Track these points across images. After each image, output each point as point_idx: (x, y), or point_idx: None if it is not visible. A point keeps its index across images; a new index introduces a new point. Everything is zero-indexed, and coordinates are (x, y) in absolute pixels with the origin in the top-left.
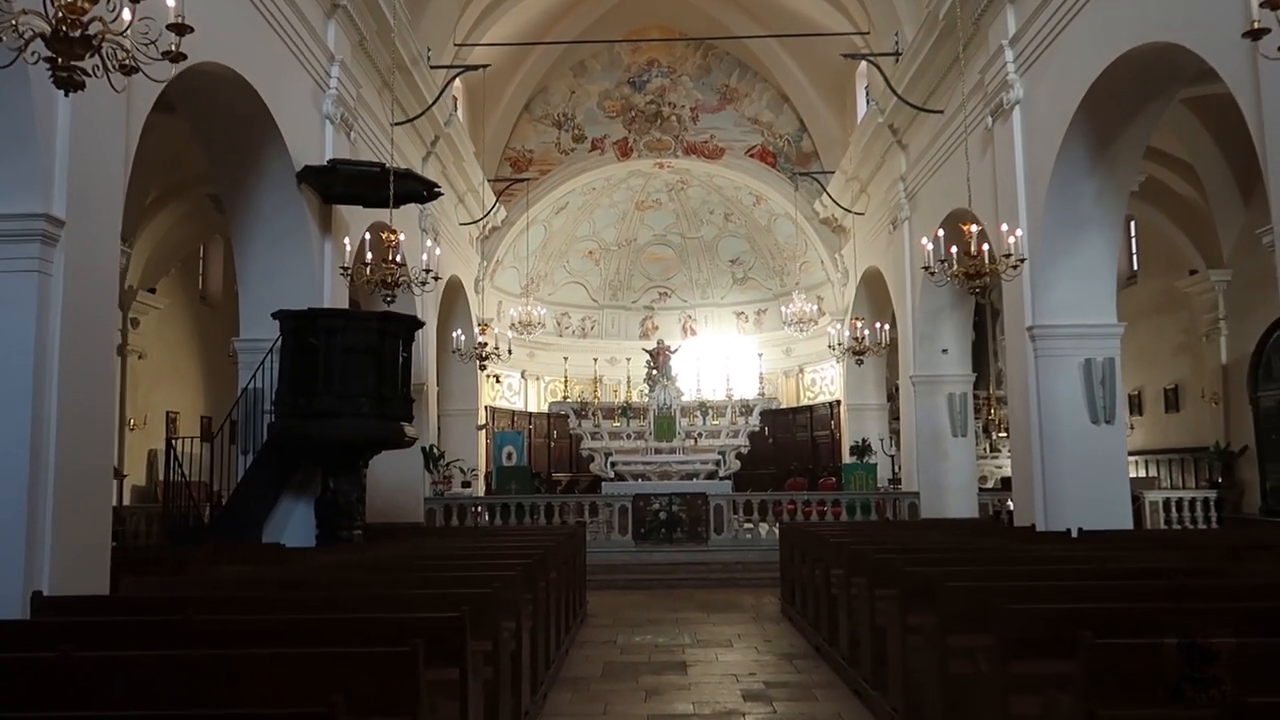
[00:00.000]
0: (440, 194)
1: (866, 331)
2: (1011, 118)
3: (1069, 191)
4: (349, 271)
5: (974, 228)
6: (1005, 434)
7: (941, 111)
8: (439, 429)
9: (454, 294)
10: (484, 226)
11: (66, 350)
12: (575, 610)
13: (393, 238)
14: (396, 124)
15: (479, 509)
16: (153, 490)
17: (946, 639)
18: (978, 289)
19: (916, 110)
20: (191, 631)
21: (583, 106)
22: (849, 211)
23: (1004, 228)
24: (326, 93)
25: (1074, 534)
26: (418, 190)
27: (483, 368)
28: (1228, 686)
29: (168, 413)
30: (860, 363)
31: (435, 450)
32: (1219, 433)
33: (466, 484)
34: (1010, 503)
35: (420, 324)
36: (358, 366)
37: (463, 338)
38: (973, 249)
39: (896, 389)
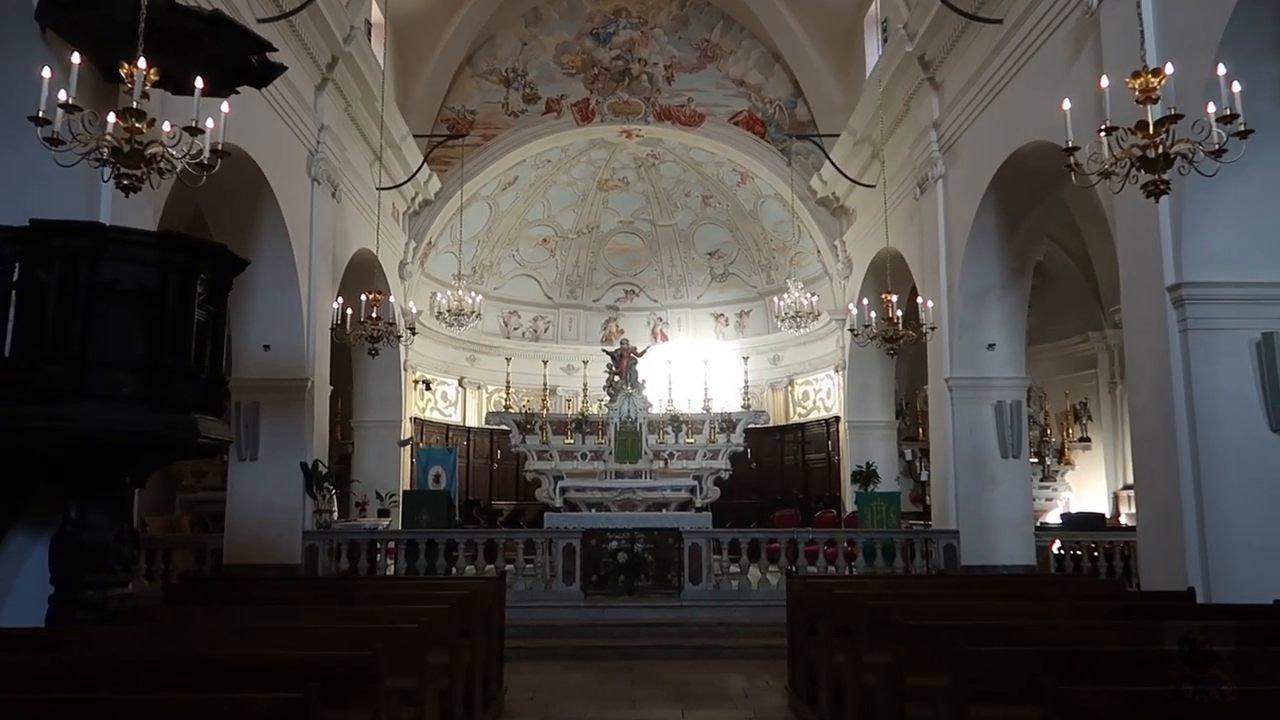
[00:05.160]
0: (283, 69)
1: (899, 312)
2: None
3: None
4: (52, 130)
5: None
6: (1037, 460)
7: (1000, 21)
8: (351, 442)
9: (364, 274)
10: (412, 198)
11: None
12: (481, 710)
13: (131, 71)
14: (264, 21)
15: (378, 547)
16: None
17: None
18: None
19: (967, 20)
20: None
21: (536, 61)
22: (857, 184)
23: (1165, 71)
24: None
25: None
26: (241, 56)
27: (373, 352)
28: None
29: None
30: (893, 353)
31: (320, 468)
32: None
33: (384, 513)
34: (1058, 546)
35: (240, 263)
36: (117, 319)
37: (349, 312)
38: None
39: (906, 404)
